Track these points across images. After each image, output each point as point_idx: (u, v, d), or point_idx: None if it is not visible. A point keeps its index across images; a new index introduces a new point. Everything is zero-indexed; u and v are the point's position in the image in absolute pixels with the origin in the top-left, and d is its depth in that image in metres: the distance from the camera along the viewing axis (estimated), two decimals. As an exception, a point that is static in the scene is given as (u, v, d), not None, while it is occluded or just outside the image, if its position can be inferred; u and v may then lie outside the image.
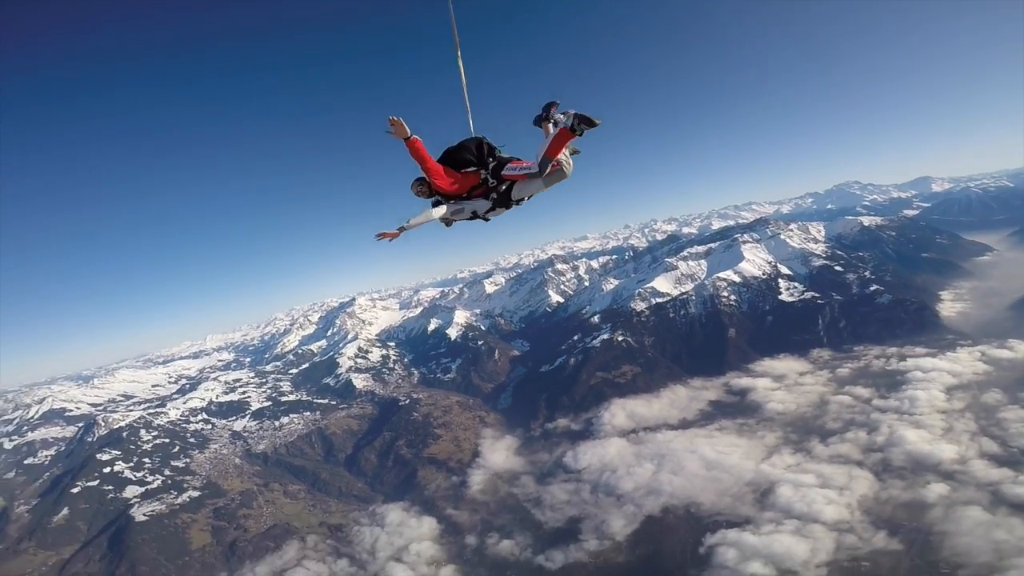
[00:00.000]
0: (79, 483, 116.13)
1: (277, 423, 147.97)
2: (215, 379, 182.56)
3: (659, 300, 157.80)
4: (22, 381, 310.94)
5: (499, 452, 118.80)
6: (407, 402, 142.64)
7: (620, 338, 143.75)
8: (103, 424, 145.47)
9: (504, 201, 9.80)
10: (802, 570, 67.43)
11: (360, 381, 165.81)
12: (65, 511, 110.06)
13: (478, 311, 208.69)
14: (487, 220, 10.23)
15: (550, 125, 9.30)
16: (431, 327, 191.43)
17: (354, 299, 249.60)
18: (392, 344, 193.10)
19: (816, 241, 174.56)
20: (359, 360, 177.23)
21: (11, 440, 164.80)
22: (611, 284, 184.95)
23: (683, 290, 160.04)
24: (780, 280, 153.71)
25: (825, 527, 72.78)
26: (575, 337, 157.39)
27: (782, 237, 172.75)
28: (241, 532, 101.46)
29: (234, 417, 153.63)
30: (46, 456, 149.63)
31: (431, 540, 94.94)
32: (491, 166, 9.55)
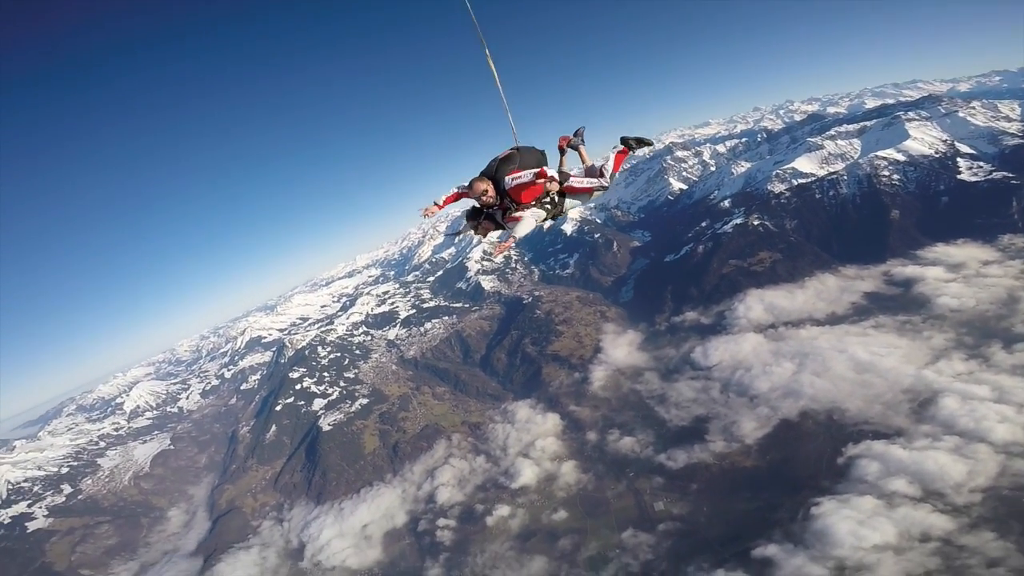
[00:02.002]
0: (280, 402, 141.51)
1: (422, 329, 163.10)
2: (368, 294, 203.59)
3: (802, 181, 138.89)
4: (227, 317, 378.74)
5: (621, 347, 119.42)
6: (530, 300, 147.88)
7: (756, 222, 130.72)
8: (290, 346, 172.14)
9: (558, 211, 10.54)
10: (952, 493, 60.56)
11: (487, 283, 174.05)
12: (273, 428, 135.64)
13: (592, 205, 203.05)
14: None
15: (582, 147, 10.99)
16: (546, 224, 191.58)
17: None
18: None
19: (1009, 120, 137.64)
20: (484, 263, 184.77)
21: (228, 370, 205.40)
22: (742, 167, 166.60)
23: (831, 170, 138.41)
24: (959, 160, 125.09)
25: (992, 448, 63.62)
26: (703, 224, 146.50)
27: (961, 115, 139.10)
28: (401, 434, 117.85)
29: (387, 327, 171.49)
30: (255, 380, 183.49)
31: (555, 436, 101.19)
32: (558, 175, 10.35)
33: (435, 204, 10.58)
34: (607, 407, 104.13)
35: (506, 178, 9.90)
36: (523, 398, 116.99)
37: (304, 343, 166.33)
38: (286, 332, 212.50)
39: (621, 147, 10.62)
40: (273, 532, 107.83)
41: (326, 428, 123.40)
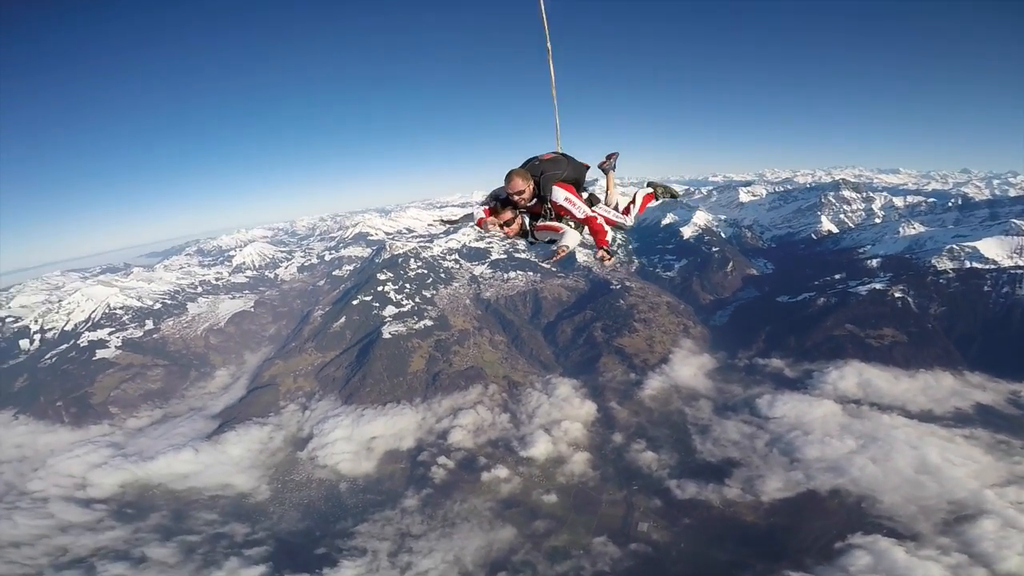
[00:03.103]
0: (359, 297, 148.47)
1: (505, 276, 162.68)
2: (471, 226, 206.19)
3: (977, 266, 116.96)
4: (346, 208, 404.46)
5: (689, 367, 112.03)
6: (618, 287, 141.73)
7: (898, 294, 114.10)
8: (388, 250, 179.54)
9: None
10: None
11: (582, 255, 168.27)
12: (342, 320, 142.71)
13: (723, 217, 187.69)
14: (532, 242, 10.46)
15: (611, 172, 11.20)
16: (665, 220, 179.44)
17: (596, 180, 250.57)
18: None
19: None
20: (587, 236, 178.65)
21: (330, 254, 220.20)
22: (913, 229, 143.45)
23: (1020, 263, 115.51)
24: None
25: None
26: (836, 276, 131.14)
27: None
28: (447, 366, 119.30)
29: (476, 262, 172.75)
30: (347, 270, 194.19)
31: (583, 424, 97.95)
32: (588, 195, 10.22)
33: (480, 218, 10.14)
34: (646, 417, 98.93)
35: (556, 189, 9.31)
36: (570, 376, 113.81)
37: (400, 251, 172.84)
38: (390, 236, 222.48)
39: (649, 190, 11.10)
40: (292, 417, 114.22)
41: (386, 335, 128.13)
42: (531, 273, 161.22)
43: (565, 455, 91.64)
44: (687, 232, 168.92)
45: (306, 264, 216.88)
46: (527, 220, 9.89)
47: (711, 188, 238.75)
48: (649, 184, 11.06)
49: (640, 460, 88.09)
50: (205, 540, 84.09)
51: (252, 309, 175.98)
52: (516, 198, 9.29)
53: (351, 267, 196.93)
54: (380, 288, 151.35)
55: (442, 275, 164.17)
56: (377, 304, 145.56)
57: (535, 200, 9.56)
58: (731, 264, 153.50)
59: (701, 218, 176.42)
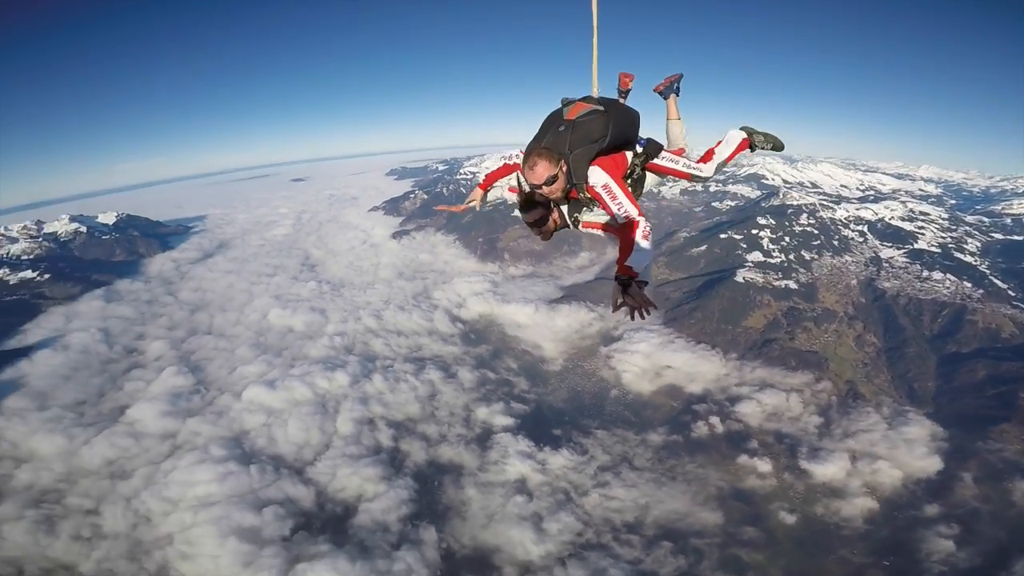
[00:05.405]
0: (729, 232, 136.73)
1: (924, 273, 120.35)
2: (900, 200, 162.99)
3: None
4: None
5: None
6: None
7: None
8: (780, 197, 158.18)
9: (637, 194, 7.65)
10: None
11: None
12: (703, 247, 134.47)
13: None
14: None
15: (674, 97, 8.88)
16: None
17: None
18: None
19: None
20: None
21: (714, 185, 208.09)
22: None
23: None
24: None
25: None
26: None
27: None
28: (786, 338, 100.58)
29: (891, 244, 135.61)
30: (728, 205, 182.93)
31: (902, 475, 73.47)
32: (643, 149, 7.25)
33: (478, 187, 7.99)
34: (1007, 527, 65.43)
35: (593, 171, 6.26)
36: (939, 422, 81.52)
37: (795, 202, 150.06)
38: (788, 185, 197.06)
39: (743, 134, 8.27)
40: (613, 315, 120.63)
41: (738, 279, 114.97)
42: (969, 284, 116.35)
43: (848, 491, 70.91)
44: None
45: (688, 188, 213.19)
46: (565, 211, 7.04)
47: None
48: (743, 128, 8.07)
49: (929, 543, 62.38)
50: (497, 381, 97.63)
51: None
52: (545, 191, 6.24)
53: (733, 203, 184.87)
54: (755, 231, 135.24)
55: (834, 242, 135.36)
56: (745, 245, 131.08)
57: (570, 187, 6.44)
58: None
59: None
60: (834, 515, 68.65)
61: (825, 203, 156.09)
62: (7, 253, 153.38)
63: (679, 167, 7.88)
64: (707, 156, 8.22)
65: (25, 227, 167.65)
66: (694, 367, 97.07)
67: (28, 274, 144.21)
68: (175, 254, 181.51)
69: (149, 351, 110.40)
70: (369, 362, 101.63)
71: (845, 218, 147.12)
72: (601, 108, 6.43)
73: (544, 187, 6.29)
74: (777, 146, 8.30)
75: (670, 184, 8.41)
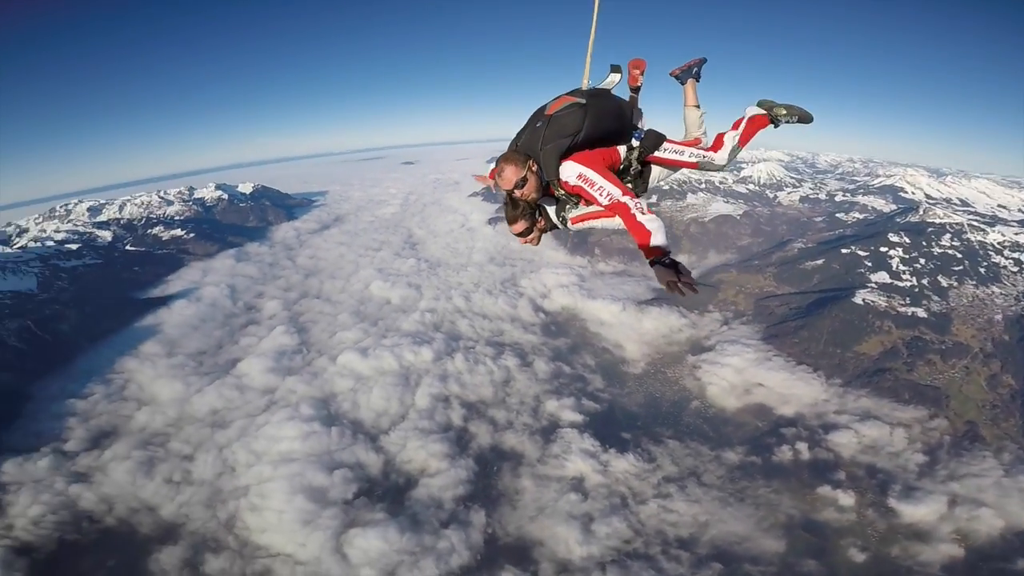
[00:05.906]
0: (852, 247, 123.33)
1: None
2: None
3: None
4: (886, 158, 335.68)
5: None
6: None
7: None
8: (920, 213, 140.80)
9: (642, 189, 6.96)
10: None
11: None
12: (820, 261, 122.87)
13: None
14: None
15: (692, 83, 7.93)
16: None
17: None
18: None
19: None
20: None
21: (841, 195, 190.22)
22: None
23: None
24: None
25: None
26: None
27: None
28: (903, 369, 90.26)
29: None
30: (854, 217, 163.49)
31: (1004, 527, 63.80)
32: (639, 142, 6.65)
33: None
34: None
35: (567, 165, 5.94)
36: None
37: (938, 220, 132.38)
38: (932, 201, 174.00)
39: (759, 111, 7.28)
40: (709, 324, 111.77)
41: (857, 300, 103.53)
42: None
43: (935, 535, 62.55)
44: None
45: (811, 196, 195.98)
46: (551, 211, 6.54)
47: None
48: (760, 104, 7.18)
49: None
50: (571, 375, 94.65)
51: (738, 217, 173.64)
52: (517, 195, 6.09)
53: (860, 216, 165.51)
54: (884, 249, 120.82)
55: (981, 269, 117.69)
56: (869, 264, 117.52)
57: (546, 185, 6.22)
58: None
59: None
60: (910, 558, 60.47)
61: (976, 224, 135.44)
62: (164, 213, 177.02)
63: (685, 157, 7.07)
64: (717, 142, 7.31)
65: (180, 192, 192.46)
66: (789, 388, 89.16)
67: (178, 232, 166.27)
68: (298, 224, 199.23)
69: (265, 309, 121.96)
70: (453, 341, 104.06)
71: (999, 243, 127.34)
72: (582, 101, 6.05)
73: (516, 191, 6.13)
74: (804, 118, 7.30)
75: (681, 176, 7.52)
